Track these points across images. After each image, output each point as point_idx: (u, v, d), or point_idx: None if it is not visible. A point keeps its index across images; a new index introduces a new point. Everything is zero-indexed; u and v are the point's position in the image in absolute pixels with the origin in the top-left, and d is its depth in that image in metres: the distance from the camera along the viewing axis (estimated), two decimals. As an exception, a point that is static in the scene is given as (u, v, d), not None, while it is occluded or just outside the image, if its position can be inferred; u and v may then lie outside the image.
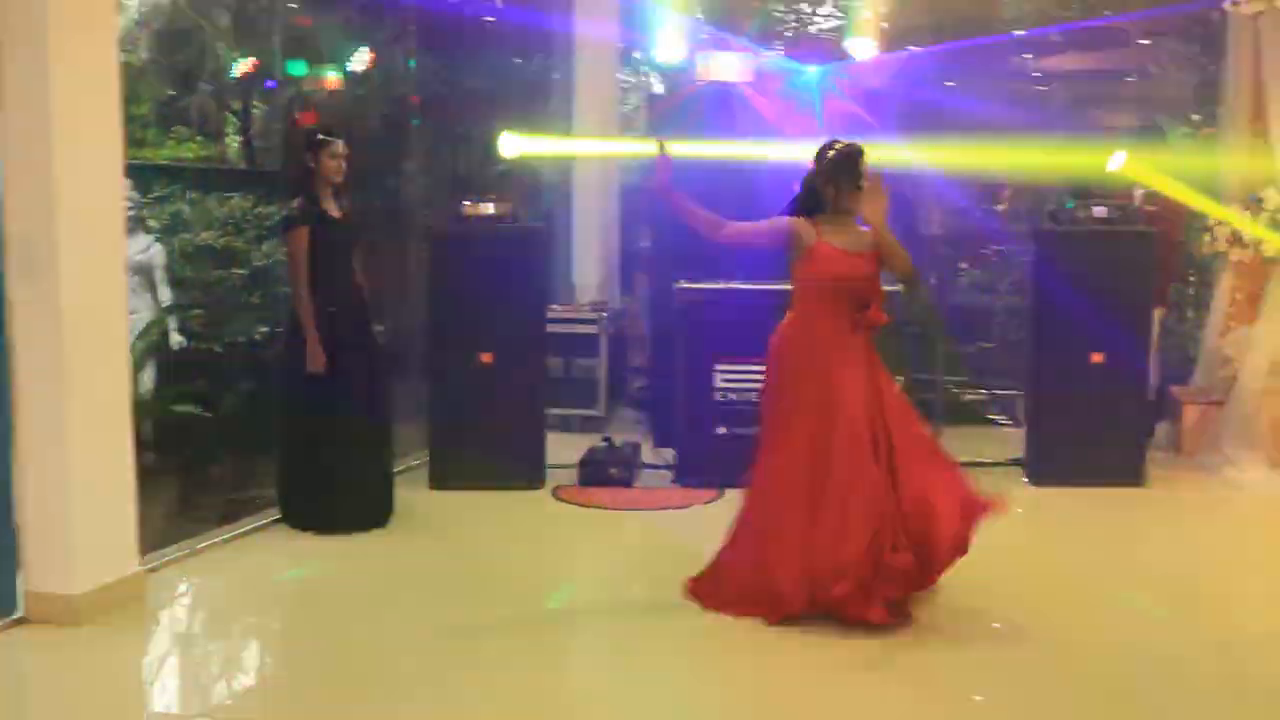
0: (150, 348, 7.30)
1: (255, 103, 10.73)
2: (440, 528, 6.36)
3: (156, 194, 8.06)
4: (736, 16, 9.97)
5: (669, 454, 7.44)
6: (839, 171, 4.94)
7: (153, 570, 5.34)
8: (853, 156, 4.95)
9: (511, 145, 7.44)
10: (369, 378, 6.25)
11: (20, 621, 4.79)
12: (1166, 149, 8.74)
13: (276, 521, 6.22)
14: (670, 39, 8.81)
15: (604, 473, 7.14)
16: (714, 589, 5.01)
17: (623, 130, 10.35)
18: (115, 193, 5.02)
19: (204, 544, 5.85)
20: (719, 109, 8.10)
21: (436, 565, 5.78)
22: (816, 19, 11.03)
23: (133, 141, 5.07)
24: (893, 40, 9.15)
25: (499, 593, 5.33)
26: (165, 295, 7.59)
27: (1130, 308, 7.13)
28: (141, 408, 5.64)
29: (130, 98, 4.98)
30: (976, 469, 7.52)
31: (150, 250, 7.57)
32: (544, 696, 4.33)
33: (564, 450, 7.41)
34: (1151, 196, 7.79)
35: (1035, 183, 8.82)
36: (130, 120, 5.12)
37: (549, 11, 9.73)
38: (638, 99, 11.39)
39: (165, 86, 11.04)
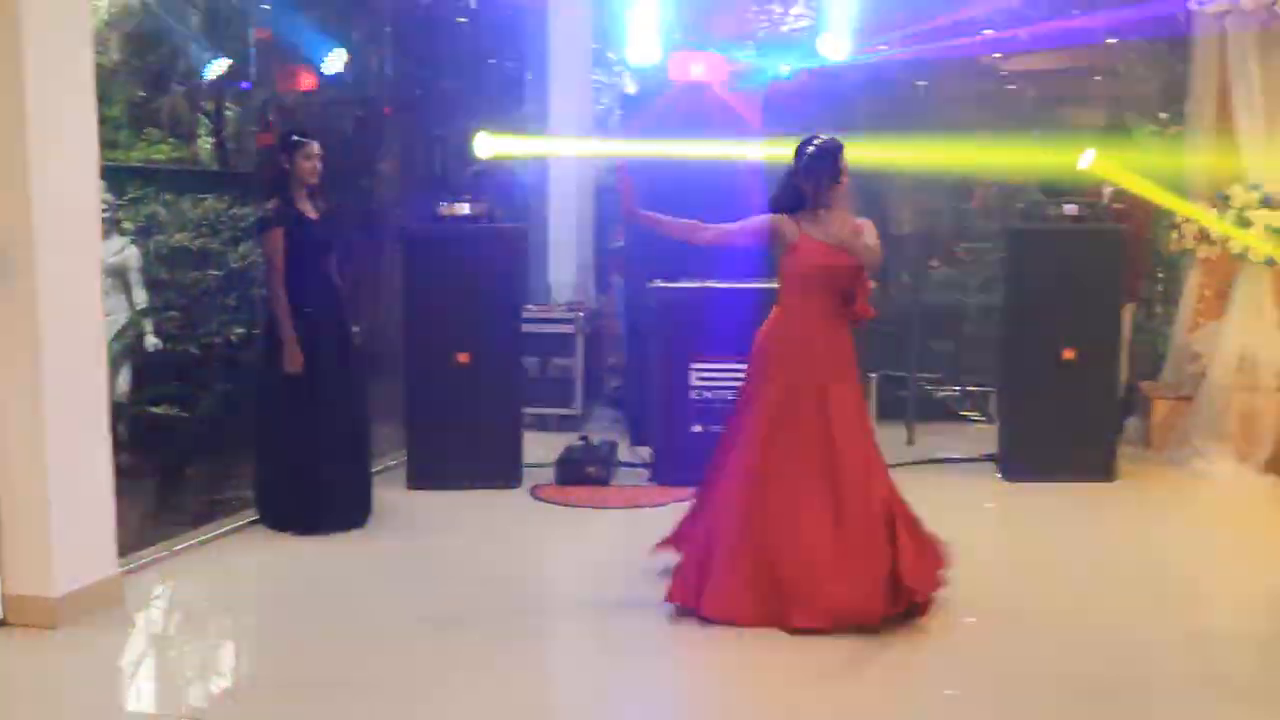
0: (126, 349, 7.28)
1: (228, 104, 10.68)
2: (418, 528, 6.37)
3: (131, 196, 8.03)
4: (709, 17, 10.00)
5: (645, 452, 7.48)
6: (818, 166, 4.98)
7: (131, 572, 5.34)
8: (832, 151, 4.99)
9: (487, 145, 7.46)
10: (346, 378, 6.26)
11: (-2, 624, 4.79)
12: (1133, 147, 8.84)
13: (254, 522, 6.23)
14: (643, 39, 8.84)
15: (581, 471, 7.17)
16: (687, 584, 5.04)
17: (597, 130, 10.37)
18: (92, 195, 5.01)
19: (182, 545, 5.85)
20: (692, 109, 8.14)
21: (415, 565, 5.79)
22: (788, 19, 11.06)
23: (105, 143, 5.07)
24: (864, 40, 9.20)
25: (478, 592, 5.36)
26: (140, 297, 7.57)
27: (1100, 305, 7.21)
28: (118, 409, 5.63)
29: (102, 99, 4.98)
30: (949, 465, 7.66)
31: (125, 252, 7.55)
32: (526, 696, 4.35)
33: (541, 449, 7.45)
34: (1119, 194, 7.87)
35: (1006, 181, 8.88)
36: (102, 122, 5.10)
37: (523, 12, 9.75)
38: (610, 99, 11.41)
39: (137, 88, 10.98)
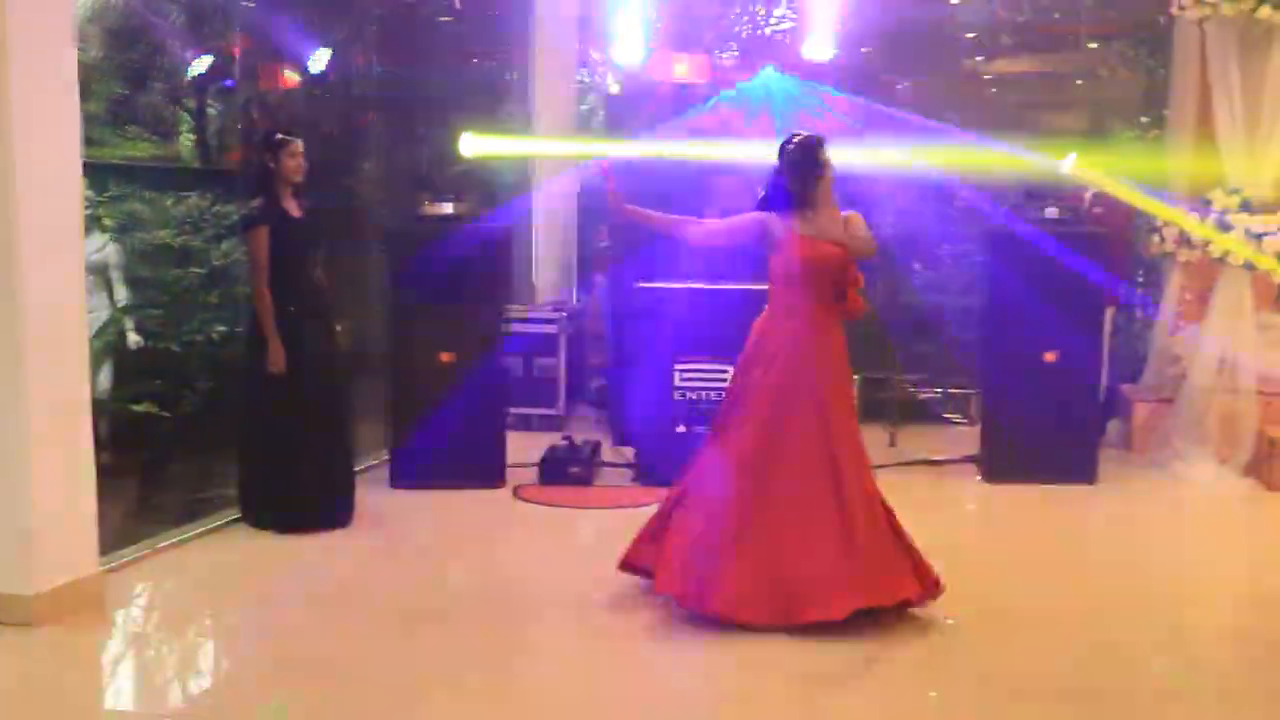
0: (107, 347, 7.25)
1: (210, 102, 10.65)
2: (401, 527, 6.36)
3: (112, 193, 7.99)
4: (692, 18, 10.03)
5: (628, 453, 7.49)
6: (800, 163, 5.00)
7: (112, 570, 5.32)
8: (811, 147, 5.01)
9: (471, 145, 7.45)
10: (329, 377, 6.25)
11: (-22, 623, 4.76)
12: (1114, 151, 8.90)
13: (236, 521, 6.20)
14: (627, 40, 8.86)
15: (564, 471, 7.17)
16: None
17: (581, 130, 10.37)
18: (74, 191, 4.98)
19: (163, 544, 5.82)
20: (675, 110, 8.16)
21: (398, 565, 5.79)
22: (771, 21, 11.09)
23: (85, 140, 5.05)
24: (846, 42, 9.23)
25: (460, 592, 5.35)
26: (121, 294, 7.54)
27: (1082, 307, 7.25)
28: (99, 407, 5.60)
29: (82, 95, 4.96)
30: (931, 466, 7.68)
31: (106, 249, 7.52)
32: (508, 696, 4.36)
33: (524, 449, 7.43)
34: (1100, 198, 7.91)
35: (989, 184, 8.92)
36: (83, 118, 5.08)
37: (507, 12, 9.74)
38: (594, 99, 11.42)
39: (117, 85, 10.93)
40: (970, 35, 10.58)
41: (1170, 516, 6.94)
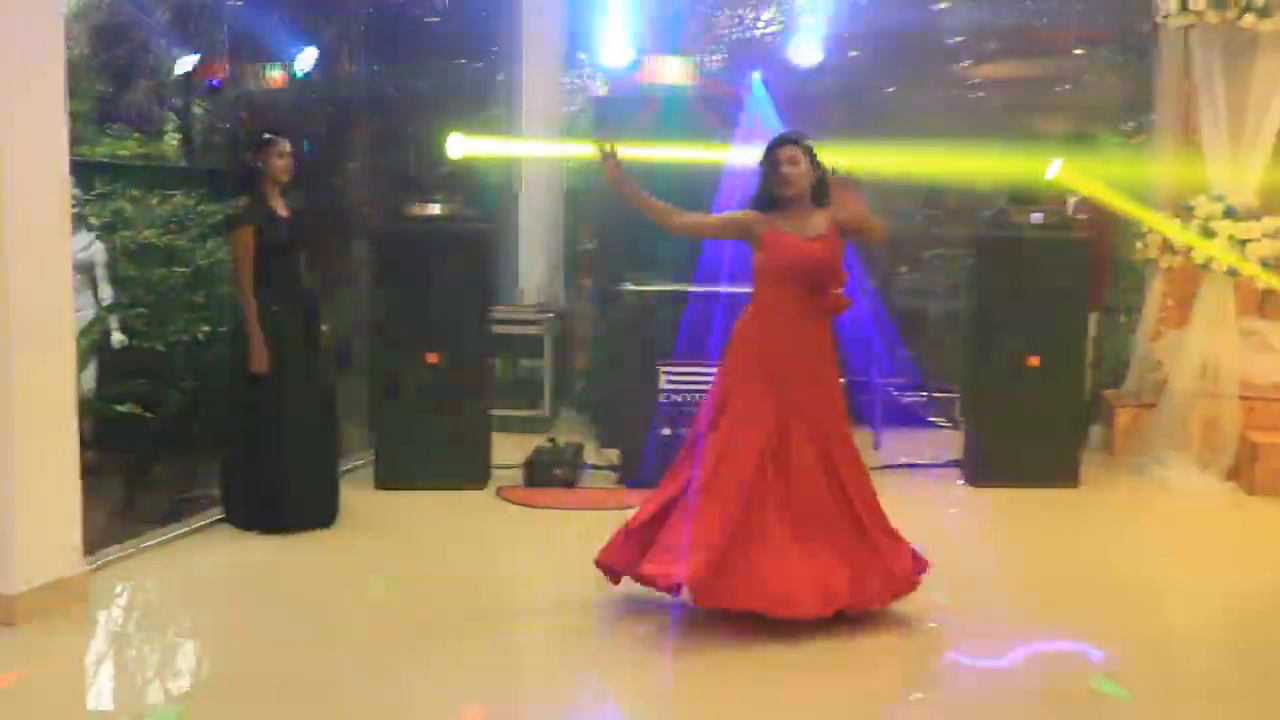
0: (91, 346, 7.22)
1: (196, 101, 10.62)
2: (386, 528, 6.36)
3: (98, 191, 7.95)
4: (679, 21, 10.03)
5: (613, 455, 7.50)
6: (764, 163, 5.04)
7: (95, 570, 5.31)
8: (770, 146, 5.04)
9: (458, 146, 7.45)
10: (314, 378, 6.25)
11: (-40, 622, 4.75)
12: (1097, 156, 8.93)
13: (220, 521, 6.20)
14: (615, 42, 8.87)
15: (548, 473, 7.17)
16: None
17: (568, 132, 10.37)
18: (61, 189, 4.98)
19: (147, 544, 5.81)
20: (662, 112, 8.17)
21: (382, 565, 5.79)
22: (759, 25, 11.11)
23: (71, 138, 5.05)
24: (833, 46, 9.26)
25: (444, 593, 5.35)
26: (106, 293, 7.51)
27: (1066, 312, 7.28)
28: (83, 406, 5.58)
29: (68, 93, 4.97)
30: (914, 470, 7.71)
31: (91, 248, 7.49)
32: (493, 698, 4.36)
33: (509, 451, 7.44)
34: (1084, 203, 7.95)
35: (973, 188, 8.95)
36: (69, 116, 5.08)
37: (495, 13, 9.74)
38: (581, 100, 11.41)
39: (103, 83, 10.89)
40: (956, 40, 10.61)
41: (1152, 520, 6.98)
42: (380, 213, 9.51)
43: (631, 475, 7.11)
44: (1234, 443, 7.50)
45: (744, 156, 6.91)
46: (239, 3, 9.42)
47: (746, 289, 5.16)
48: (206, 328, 7.60)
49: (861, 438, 7.98)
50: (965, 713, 4.29)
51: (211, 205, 8.15)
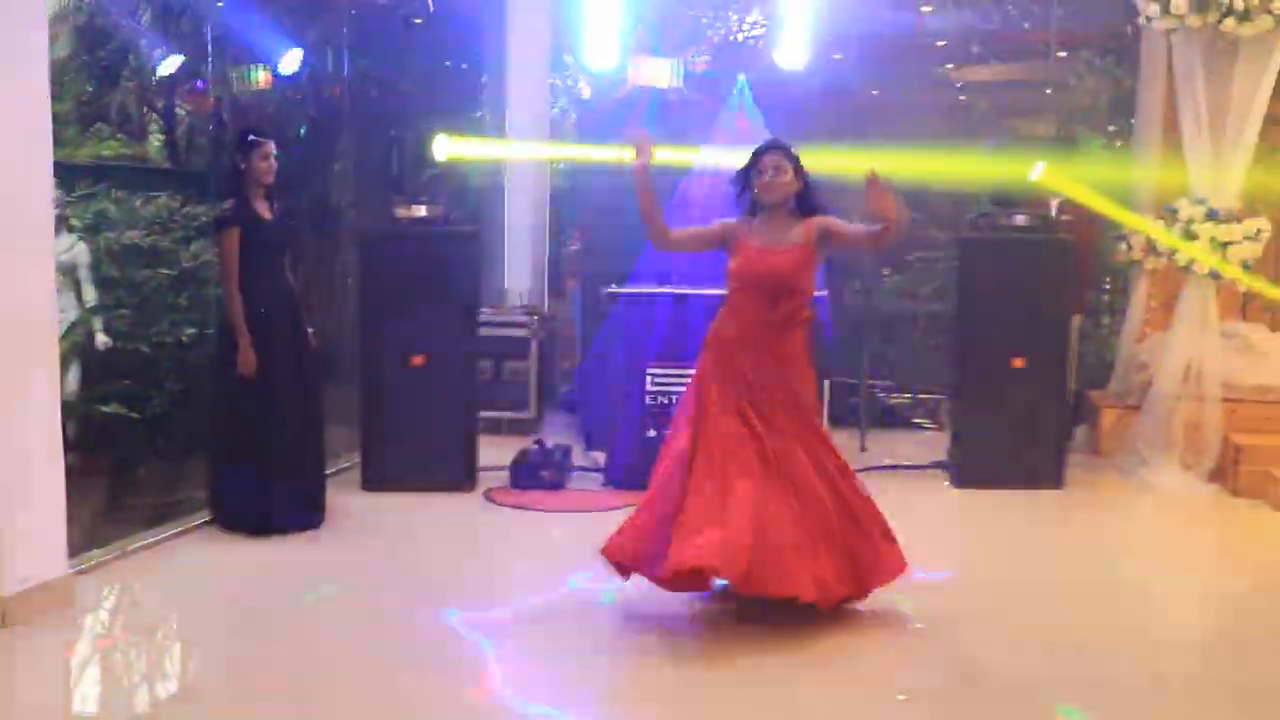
0: (75, 348, 7.19)
1: (180, 102, 10.59)
2: (373, 529, 6.35)
3: (80, 192, 7.92)
4: (665, 23, 10.05)
5: (599, 457, 7.50)
6: (747, 169, 5.06)
7: (82, 572, 5.28)
8: (756, 153, 5.06)
9: (445, 148, 7.45)
10: (300, 380, 6.23)
11: (-55, 624, 4.72)
12: (1079, 159, 8.98)
13: (208, 523, 6.18)
14: (600, 44, 8.87)
15: (535, 475, 7.17)
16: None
17: (553, 134, 10.39)
18: (45, 190, 4.96)
19: (134, 546, 5.79)
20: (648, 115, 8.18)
21: (369, 567, 5.77)
22: (744, 27, 11.13)
23: (54, 139, 5.05)
24: (818, 49, 9.28)
25: (431, 595, 5.33)
26: (90, 295, 7.49)
27: (1050, 314, 7.32)
28: (67, 408, 5.55)
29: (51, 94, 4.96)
30: (900, 471, 7.74)
31: (75, 249, 7.46)
32: (480, 701, 4.36)
33: (495, 453, 7.44)
34: (1067, 205, 7.98)
35: (958, 190, 8.99)
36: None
37: (480, 15, 9.74)
38: (565, 102, 11.42)
39: (85, 83, 10.85)
40: (940, 43, 10.66)
41: (1136, 522, 7.02)
42: (366, 214, 9.50)
43: (618, 477, 7.11)
44: (1217, 444, 7.54)
45: (729, 159, 6.93)
46: (221, 3, 9.39)
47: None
48: (191, 329, 7.58)
49: (848, 439, 8.09)
50: (951, 714, 4.30)
51: (196, 207, 8.13)
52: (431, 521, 6.52)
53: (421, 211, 7.16)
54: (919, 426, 9.04)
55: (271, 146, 6.15)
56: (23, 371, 4.80)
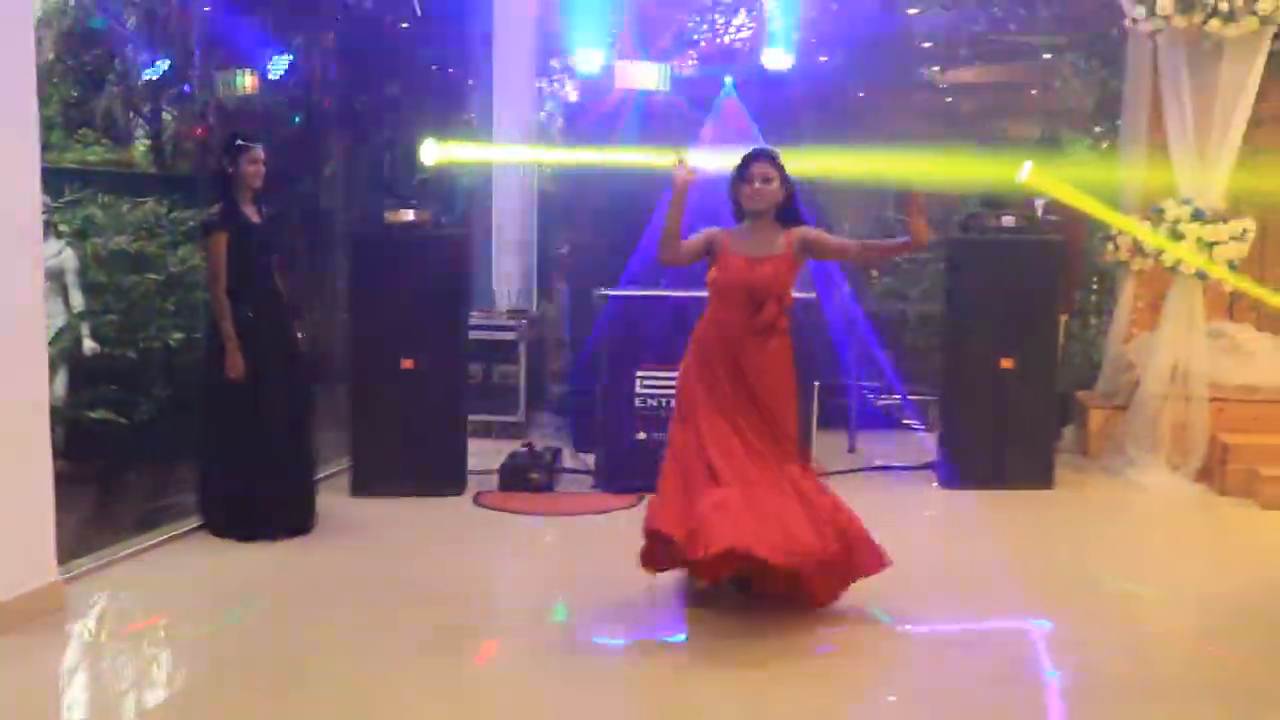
0: (62, 353, 7.17)
1: (166, 107, 10.58)
2: (363, 534, 6.33)
3: (67, 198, 7.91)
4: (652, 27, 10.06)
5: (589, 459, 7.50)
6: (735, 176, 5.07)
7: (71, 579, 5.26)
8: (744, 161, 5.07)
9: (433, 152, 7.44)
10: (289, 384, 6.22)
11: (-67, 633, 4.70)
12: (1064, 160, 9.01)
13: (197, 529, 6.15)
14: (587, 48, 8.88)
15: (524, 478, 7.16)
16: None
17: (541, 138, 10.39)
18: (33, 196, 4.94)
19: (123, 552, 5.76)
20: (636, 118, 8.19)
21: (360, 573, 5.76)
22: (731, 30, 11.15)
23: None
24: (805, 51, 9.31)
25: (420, 601, 5.31)
26: (77, 300, 7.47)
27: (1038, 314, 7.34)
28: (54, 414, 5.53)
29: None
30: (889, 473, 7.75)
31: (62, 255, 7.44)
32: (473, 705, 4.35)
33: (485, 456, 7.43)
34: (1053, 206, 8.01)
35: (947, 191, 9.02)
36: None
37: (467, 19, 9.74)
38: (552, 106, 11.44)
39: (71, 88, 10.83)
40: (927, 45, 10.70)
41: (1125, 522, 7.03)
42: (355, 218, 9.49)
43: (607, 480, 7.11)
44: (1204, 444, 7.57)
45: (716, 162, 6.94)
46: (208, 8, 9.38)
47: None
48: (179, 334, 7.57)
49: (837, 440, 8.11)
50: (941, 715, 4.31)
51: (184, 212, 8.12)
52: (421, 526, 6.51)
53: (410, 215, 7.15)
54: (908, 427, 9.05)
55: (260, 151, 6.13)
56: (10, 378, 4.78)
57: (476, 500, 6.96)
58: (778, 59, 8.95)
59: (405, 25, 10.28)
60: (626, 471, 6.94)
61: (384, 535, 6.35)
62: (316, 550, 6.06)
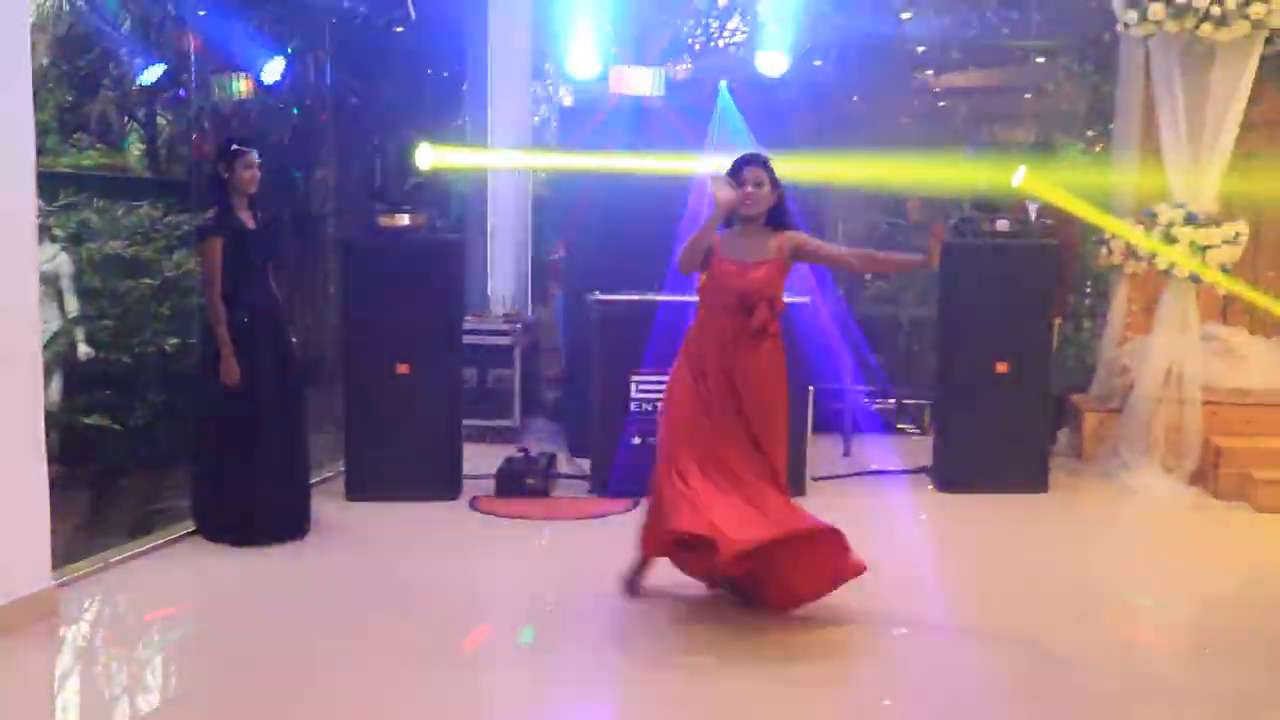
0: (57, 358, 7.16)
1: (161, 111, 10.56)
2: (358, 539, 6.33)
3: (62, 202, 7.89)
4: (646, 31, 10.06)
5: (584, 464, 7.50)
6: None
7: (65, 584, 5.26)
8: (735, 166, 5.08)
9: (428, 156, 7.44)
10: (284, 389, 6.22)
11: (-72, 638, 4.70)
12: (1058, 164, 9.02)
13: (192, 534, 6.15)
14: (581, 52, 8.87)
15: (520, 483, 7.16)
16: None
17: (535, 142, 10.40)
18: (27, 200, 4.94)
19: (117, 557, 5.75)
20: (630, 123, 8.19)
21: (354, 578, 5.76)
22: (724, 35, 11.16)
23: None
24: (799, 56, 9.31)
25: (416, 606, 5.32)
26: (72, 305, 7.46)
27: (1032, 318, 7.35)
28: (49, 419, 5.53)
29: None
30: (884, 477, 7.76)
31: (57, 260, 7.43)
32: (466, 709, 4.35)
33: (480, 461, 7.43)
34: (1046, 210, 8.02)
35: (941, 195, 9.04)
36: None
37: (461, 23, 9.74)
38: (546, 110, 11.43)
39: (66, 92, 10.81)
40: (920, 49, 10.71)
41: (1119, 525, 7.05)
42: (349, 223, 9.49)
43: (603, 485, 7.11)
44: (1198, 447, 7.58)
45: (710, 167, 6.95)
46: (203, 12, 9.37)
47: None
48: (174, 339, 7.56)
49: (832, 444, 8.12)
50: (936, 719, 4.32)
51: (178, 216, 8.11)
52: (416, 531, 6.51)
53: (405, 220, 7.14)
54: (903, 431, 9.06)
55: (255, 156, 6.13)
56: (7, 381, 4.78)
57: (472, 505, 6.95)
58: (772, 64, 8.95)
59: (400, 30, 10.27)
60: (622, 476, 6.94)
61: (379, 540, 6.35)
62: (311, 555, 6.05)
